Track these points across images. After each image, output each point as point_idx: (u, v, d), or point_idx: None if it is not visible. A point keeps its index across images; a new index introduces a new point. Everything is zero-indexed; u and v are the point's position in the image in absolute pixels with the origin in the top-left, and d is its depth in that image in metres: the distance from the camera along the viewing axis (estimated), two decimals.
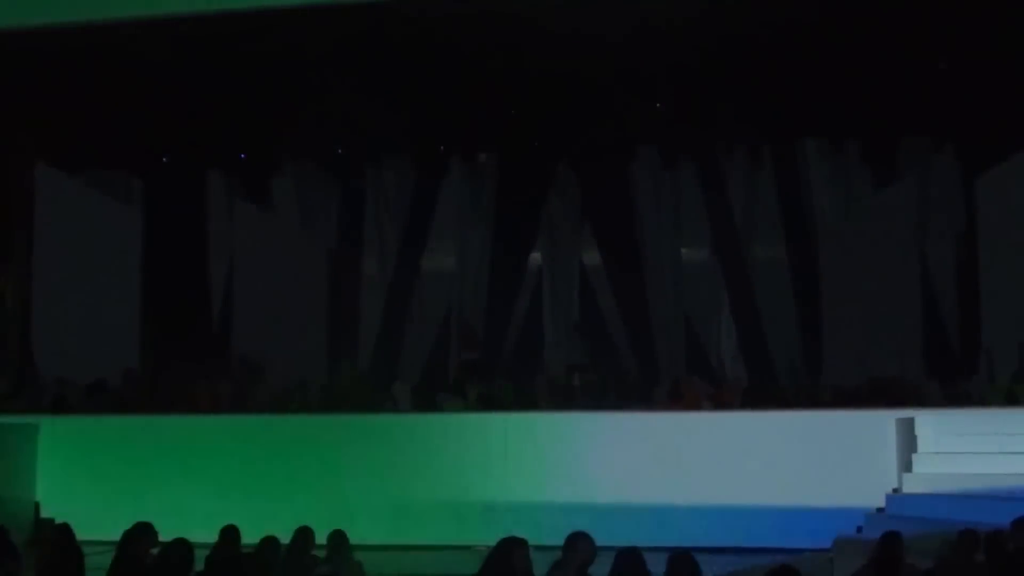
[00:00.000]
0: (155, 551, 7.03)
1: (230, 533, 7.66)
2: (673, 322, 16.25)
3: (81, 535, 7.97)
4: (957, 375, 13.46)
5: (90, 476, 13.09)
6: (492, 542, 6.22)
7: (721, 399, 13.51)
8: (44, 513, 12.73)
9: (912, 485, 11.43)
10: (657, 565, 5.94)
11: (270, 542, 7.39)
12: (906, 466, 11.60)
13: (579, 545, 5.95)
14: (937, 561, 6.87)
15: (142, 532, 7.20)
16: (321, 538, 7.71)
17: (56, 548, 7.62)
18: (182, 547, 6.55)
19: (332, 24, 13.19)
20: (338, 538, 7.59)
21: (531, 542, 6.11)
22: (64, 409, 14.39)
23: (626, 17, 12.81)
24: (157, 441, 13.29)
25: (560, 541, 6.13)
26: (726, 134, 16.11)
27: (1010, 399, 12.26)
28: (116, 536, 7.48)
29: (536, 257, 17.07)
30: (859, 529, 11.16)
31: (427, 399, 14.18)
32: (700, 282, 16.51)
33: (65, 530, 7.85)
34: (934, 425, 11.70)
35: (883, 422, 11.98)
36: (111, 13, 12.94)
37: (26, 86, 14.30)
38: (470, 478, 12.35)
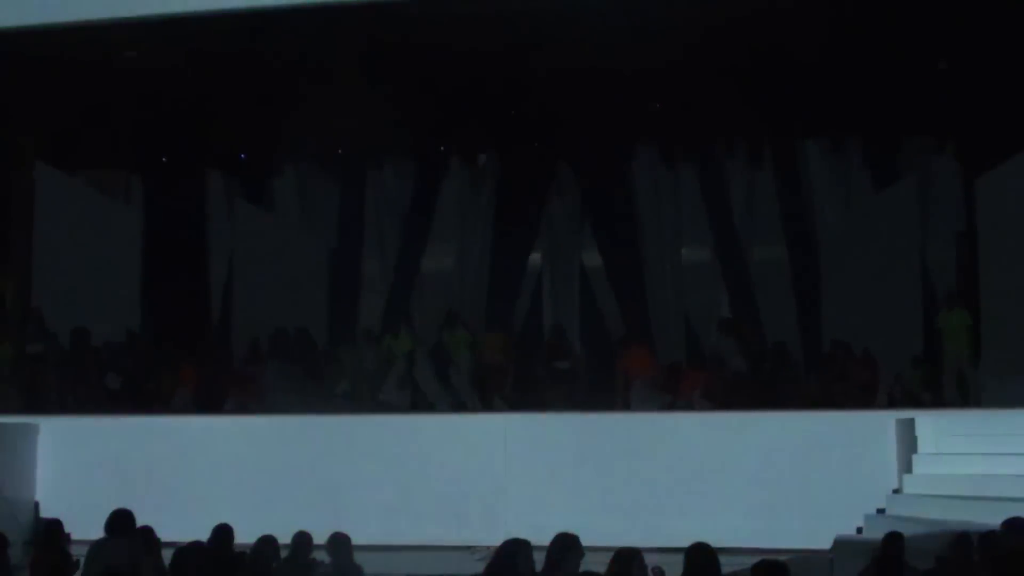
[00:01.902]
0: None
1: (223, 532, 7.63)
2: (673, 322, 16.22)
3: (81, 535, 7.98)
4: (957, 375, 13.42)
5: (90, 476, 13.09)
6: (492, 542, 6.22)
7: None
8: (44, 513, 12.73)
9: (912, 486, 11.43)
10: (657, 566, 5.94)
11: (267, 541, 7.37)
12: (906, 467, 11.60)
13: (574, 547, 5.94)
14: (936, 562, 6.87)
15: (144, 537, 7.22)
16: (320, 538, 7.71)
17: (46, 544, 7.62)
18: (199, 548, 6.56)
19: (332, 24, 13.19)
20: (339, 540, 7.57)
21: (531, 542, 6.11)
22: (64, 409, 14.39)
23: (626, 17, 12.81)
24: (157, 441, 13.29)
25: None
26: (726, 134, 16.10)
27: (1012, 400, 12.21)
28: None
29: (536, 257, 17.05)
30: (859, 530, 11.16)
31: (427, 399, 14.18)
32: (700, 282, 16.48)
33: (55, 526, 7.86)
34: (934, 426, 11.71)
35: (883, 422, 11.98)
36: (111, 13, 12.94)
37: (26, 86, 14.30)
38: (470, 478, 12.35)
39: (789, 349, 14.60)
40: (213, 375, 14.79)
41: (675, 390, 13.54)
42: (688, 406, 13.48)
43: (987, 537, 7.06)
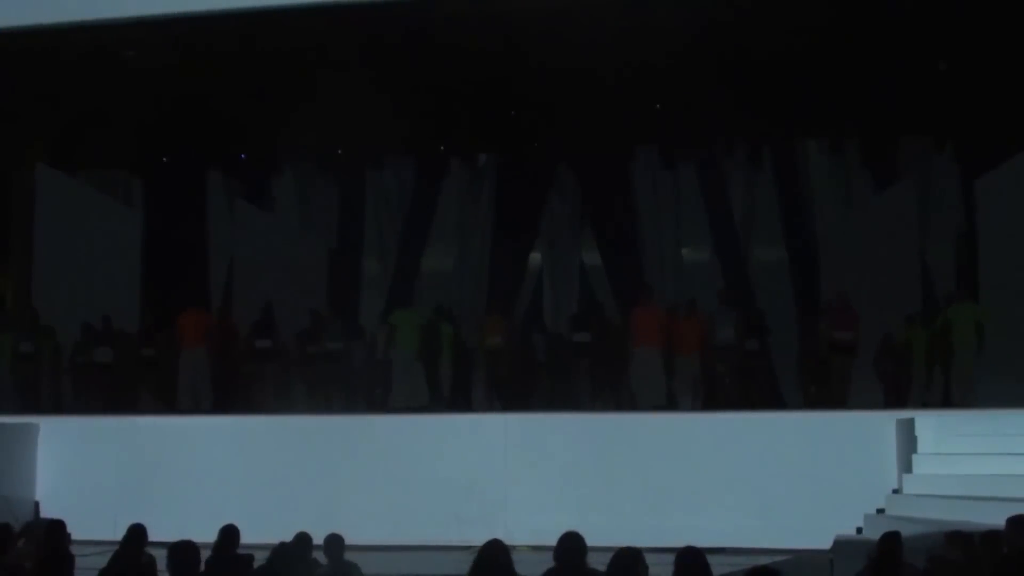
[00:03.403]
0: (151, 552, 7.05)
1: (229, 533, 7.64)
2: None
3: (81, 535, 7.98)
4: (957, 374, 13.41)
5: (90, 476, 13.08)
6: None
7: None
8: (44, 513, 12.73)
9: (912, 486, 11.41)
10: (657, 565, 5.92)
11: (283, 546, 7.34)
12: (906, 467, 11.59)
13: (579, 545, 5.94)
14: (929, 561, 6.85)
15: (136, 535, 7.21)
16: (320, 539, 7.71)
17: (48, 545, 7.61)
18: (189, 549, 6.56)
19: (332, 24, 13.20)
20: (334, 541, 7.60)
21: (531, 542, 6.12)
22: (64, 409, 14.39)
23: (626, 17, 12.81)
24: (157, 441, 13.28)
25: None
26: (726, 134, 16.10)
27: (1012, 400, 12.20)
28: (115, 536, 7.49)
29: (536, 257, 17.05)
30: (859, 530, 11.16)
31: (427, 399, 14.18)
32: (700, 282, 16.47)
33: (58, 526, 7.85)
34: (934, 426, 11.68)
35: (883, 422, 11.97)
36: (111, 13, 12.94)
37: (26, 86, 14.31)
38: (470, 478, 12.34)
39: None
40: (213, 374, 14.74)
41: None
42: (688, 406, 13.49)
43: (990, 536, 7.04)
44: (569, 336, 14.41)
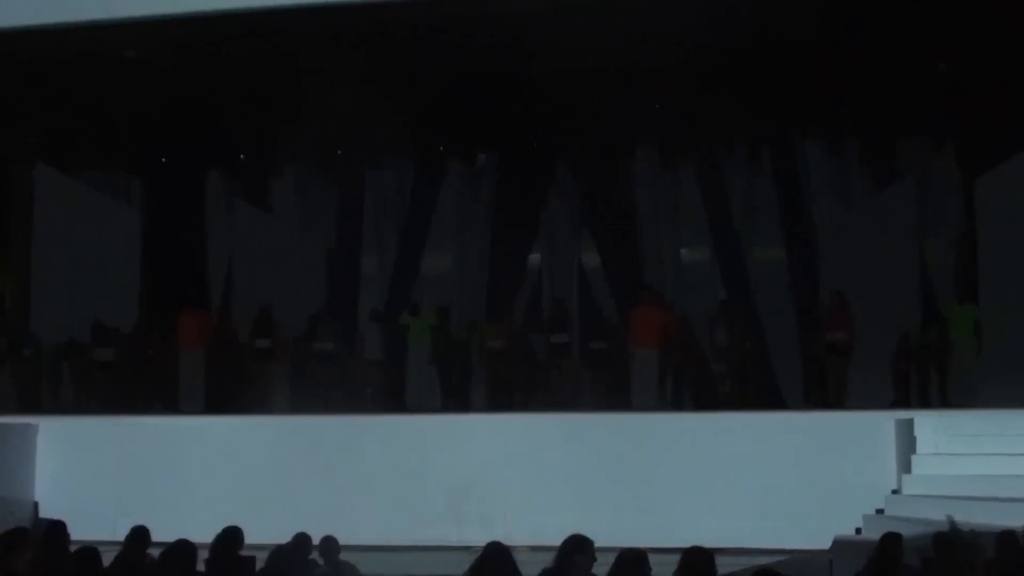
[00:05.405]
0: (155, 551, 7.05)
1: (231, 535, 7.64)
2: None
3: (81, 535, 7.98)
4: (956, 375, 13.42)
5: (90, 476, 13.10)
6: None
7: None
8: (43, 513, 12.74)
9: (911, 486, 11.43)
10: (657, 565, 5.93)
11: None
12: (905, 467, 11.61)
13: (584, 548, 5.92)
14: (921, 563, 6.86)
15: (138, 536, 7.22)
16: (318, 539, 7.72)
17: (49, 546, 7.61)
18: (185, 547, 6.56)
19: (332, 24, 13.20)
20: (329, 543, 7.62)
21: (531, 542, 6.11)
22: (63, 409, 14.40)
23: (626, 17, 12.81)
24: (157, 441, 13.30)
25: (559, 541, 6.11)
26: (726, 134, 16.10)
27: (1012, 400, 12.21)
28: (115, 536, 7.49)
29: (536, 257, 17.05)
30: (858, 530, 11.17)
31: (427, 399, 14.18)
32: (700, 282, 16.47)
33: (58, 527, 7.86)
34: (933, 426, 11.71)
35: (882, 423, 11.99)
36: (111, 13, 12.95)
37: (26, 86, 14.31)
38: (470, 478, 12.35)
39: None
40: (211, 375, 14.75)
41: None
42: (688, 406, 13.49)
43: (1006, 535, 7.04)
44: (547, 337, 14.40)
